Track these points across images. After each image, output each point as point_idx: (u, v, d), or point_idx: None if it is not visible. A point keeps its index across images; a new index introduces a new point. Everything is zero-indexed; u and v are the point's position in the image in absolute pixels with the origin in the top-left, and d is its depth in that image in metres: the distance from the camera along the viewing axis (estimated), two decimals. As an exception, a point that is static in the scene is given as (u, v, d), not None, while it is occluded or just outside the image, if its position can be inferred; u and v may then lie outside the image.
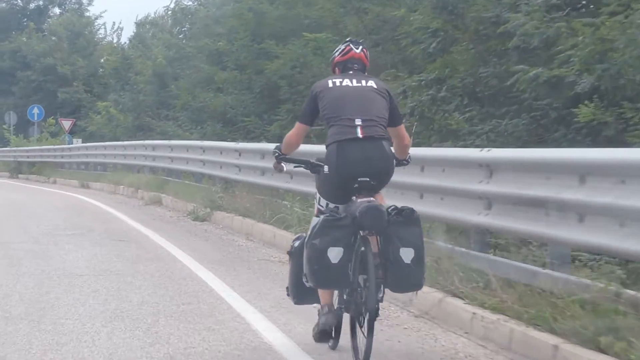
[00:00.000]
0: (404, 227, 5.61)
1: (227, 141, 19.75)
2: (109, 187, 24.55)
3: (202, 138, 23.66)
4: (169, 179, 20.79)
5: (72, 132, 39.18)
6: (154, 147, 22.73)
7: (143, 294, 8.46)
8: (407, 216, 5.66)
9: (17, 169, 36.37)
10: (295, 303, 6.32)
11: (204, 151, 17.95)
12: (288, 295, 6.31)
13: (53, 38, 52.32)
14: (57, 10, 57.47)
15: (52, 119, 39.13)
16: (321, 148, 6.16)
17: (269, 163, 12.04)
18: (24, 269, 9.94)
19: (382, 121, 5.80)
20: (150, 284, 9.09)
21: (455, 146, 13.55)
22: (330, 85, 5.92)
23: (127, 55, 38.08)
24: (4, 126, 41.92)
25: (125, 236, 13.32)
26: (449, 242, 8.20)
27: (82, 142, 34.19)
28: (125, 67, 36.52)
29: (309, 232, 5.74)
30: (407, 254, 5.55)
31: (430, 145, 14.50)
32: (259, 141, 20.24)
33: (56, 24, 53.35)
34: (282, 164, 6.28)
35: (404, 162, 6.29)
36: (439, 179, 8.21)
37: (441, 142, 14.58)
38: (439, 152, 9.17)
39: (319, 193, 6.04)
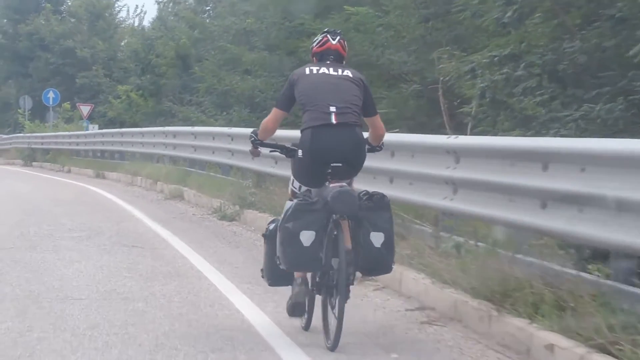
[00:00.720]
0: (375, 212, 5.83)
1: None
2: (126, 177, 22.38)
3: (227, 124, 21.44)
4: (192, 170, 18.49)
5: (91, 118, 37.04)
6: (175, 135, 20.43)
7: (157, 333, 6.26)
8: (377, 201, 5.88)
9: (31, 157, 34.25)
10: (270, 285, 6.41)
11: (232, 139, 15.62)
12: (262, 277, 6.40)
13: (72, 20, 50.40)
14: (76, -9, 55.21)
15: (67, 103, 36.85)
16: (296, 133, 6.28)
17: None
18: (7, 289, 7.77)
19: (355, 109, 5.99)
20: (168, 314, 6.90)
21: (524, 135, 11.30)
22: (307, 72, 6.10)
23: (147, 36, 35.80)
24: (19, 111, 39.81)
25: (140, 240, 11.14)
26: (583, 270, 5.94)
27: (99, 129, 31.98)
28: (146, 49, 34.26)
29: (282, 216, 5.86)
30: (377, 238, 5.78)
31: (495, 134, 12.27)
32: (291, 128, 17.98)
33: (76, 5, 51.32)
34: (259, 148, 6.34)
35: (377, 148, 6.41)
36: (576, 183, 5.85)
37: (507, 130, 12.31)
38: (575, 143, 6.55)
39: (294, 176, 6.24)
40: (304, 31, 21.98)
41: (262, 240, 6.28)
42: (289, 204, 5.91)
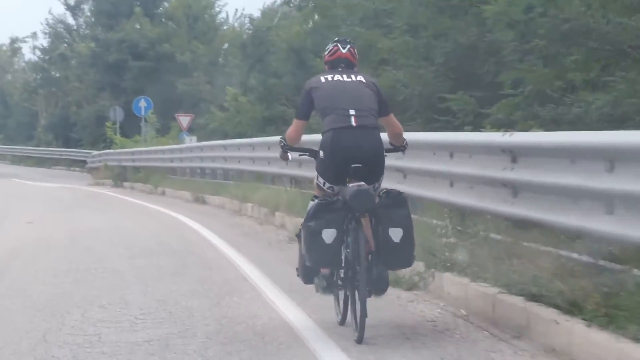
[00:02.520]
0: (393, 209, 6.14)
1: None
2: (232, 204, 16.95)
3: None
4: (326, 195, 12.90)
5: (191, 130, 31.76)
6: (297, 146, 14.84)
7: None
8: (394, 198, 6.21)
9: (122, 176, 29.27)
10: (305, 283, 6.59)
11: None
12: (298, 276, 6.57)
13: (169, 23, 45.86)
14: (172, -6, 50.56)
15: (152, 112, 31.33)
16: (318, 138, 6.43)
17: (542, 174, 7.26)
18: None
19: (373, 112, 6.35)
20: None
21: None
22: (323, 80, 6.46)
23: (258, 27, 30.19)
24: (107, 123, 34.85)
25: (262, 356, 5.57)
26: None
27: (198, 141, 26.57)
28: (256, 43, 28.68)
29: (305, 215, 6.18)
30: (396, 234, 6.07)
31: None
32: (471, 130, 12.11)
33: (173, 7, 46.73)
34: (288, 153, 6.62)
35: (401, 148, 6.73)
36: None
37: None
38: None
39: (317, 172, 6.43)
40: (459, 5, 16.80)
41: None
42: (311, 204, 6.17)
